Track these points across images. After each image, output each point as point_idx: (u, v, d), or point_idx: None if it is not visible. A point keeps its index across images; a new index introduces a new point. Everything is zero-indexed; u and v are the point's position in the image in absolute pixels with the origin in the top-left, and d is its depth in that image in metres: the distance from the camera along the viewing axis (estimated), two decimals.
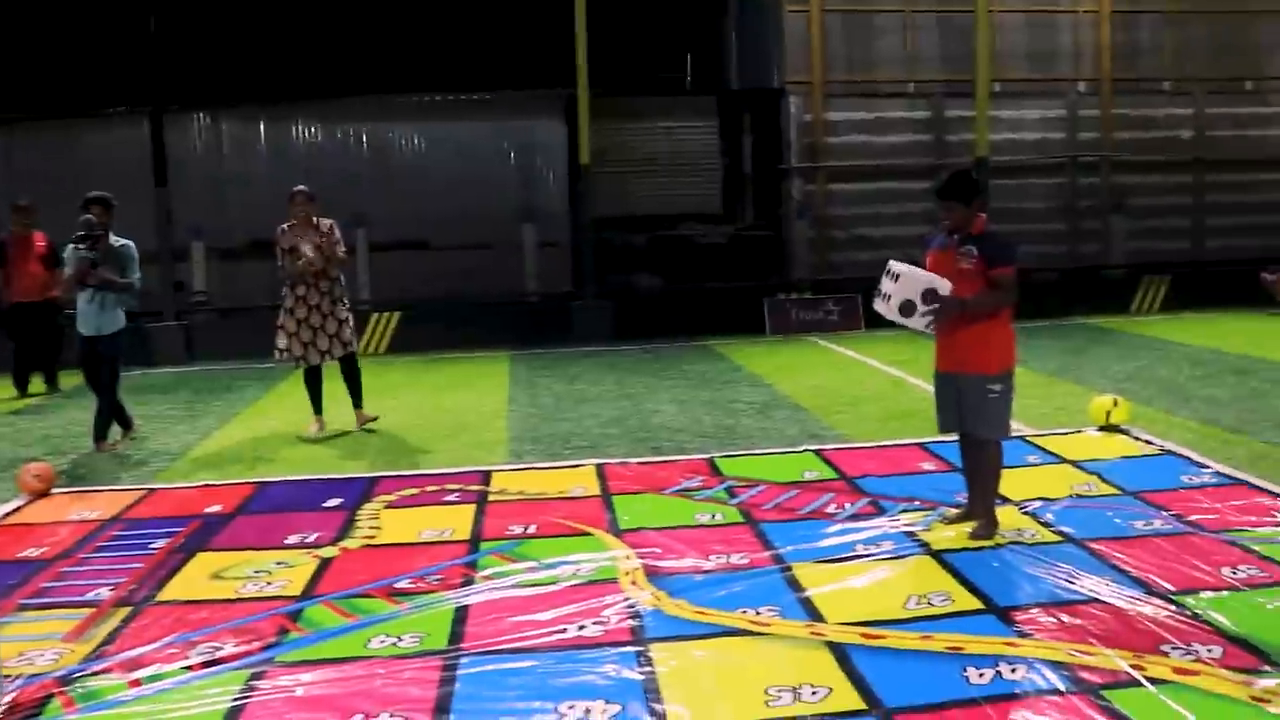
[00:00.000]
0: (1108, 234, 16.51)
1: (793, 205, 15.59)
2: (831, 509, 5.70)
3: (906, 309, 4.98)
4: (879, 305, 5.12)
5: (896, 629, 4.07)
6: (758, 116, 16.04)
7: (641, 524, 5.59)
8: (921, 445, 7.07)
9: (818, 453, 7.00)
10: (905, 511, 5.58)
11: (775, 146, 15.76)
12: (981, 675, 3.67)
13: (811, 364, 11.28)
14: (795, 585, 4.58)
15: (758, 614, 4.27)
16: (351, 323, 8.36)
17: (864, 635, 4.01)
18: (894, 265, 5.06)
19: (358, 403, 8.53)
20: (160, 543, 5.57)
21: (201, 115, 15.23)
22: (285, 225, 8.22)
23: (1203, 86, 16.76)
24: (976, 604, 4.34)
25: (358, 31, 15.99)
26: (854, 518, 5.53)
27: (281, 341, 8.22)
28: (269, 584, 4.90)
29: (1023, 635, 4.01)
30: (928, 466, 6.55)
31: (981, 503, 5.26)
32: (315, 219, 8.19)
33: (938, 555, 4.92)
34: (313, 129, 15.52)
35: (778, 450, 7.18)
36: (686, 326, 13.83)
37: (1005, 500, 5.72)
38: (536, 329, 14.03)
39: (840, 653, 3.87)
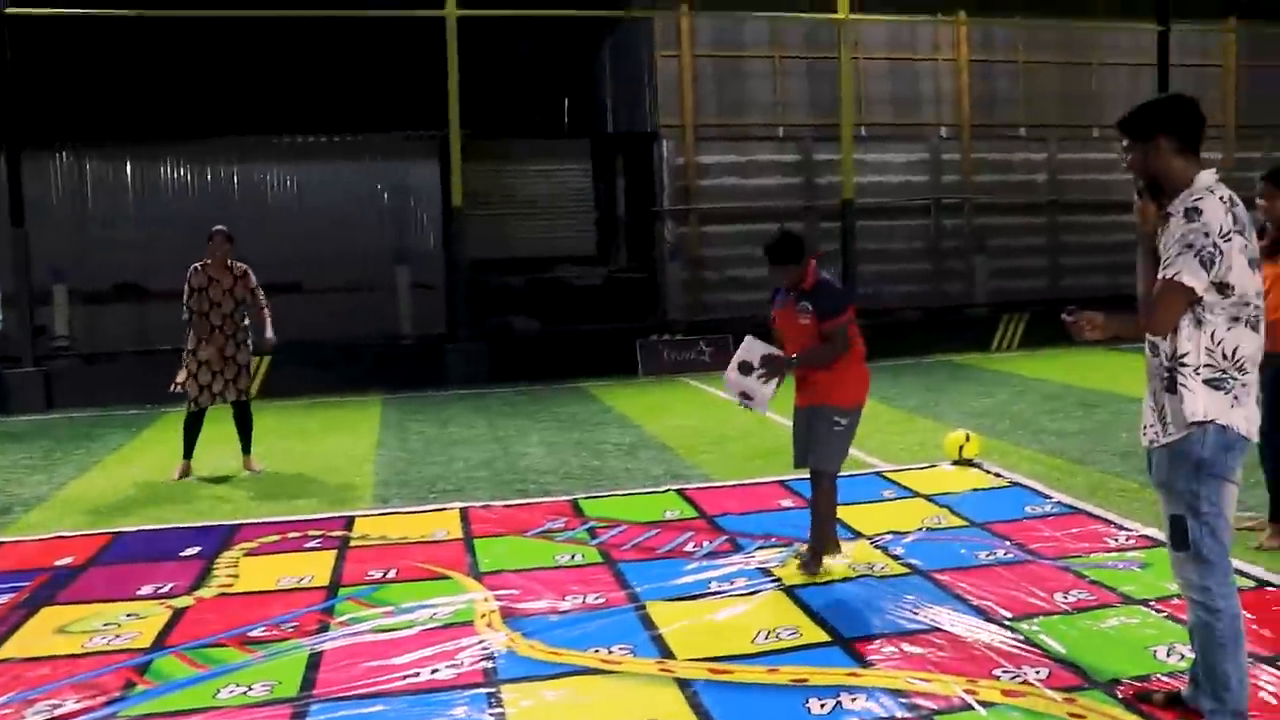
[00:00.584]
0: (970, 273, 17.18)
1: (666, 247, 15.86)
2: (690, 547, 5.82)
3: (744, 368, 5.35)
4: (727, 374, 5.49)
5: (744, 663, 4.19)
6: (631, 159, 16.33)
7: (502, 566, 5.63)
8: (781, 483, 7.25)
9: (680, 492, 7.13)
10: (761, 548, 5.74)
11: (649, 189, 16.04)
12: (823, 705, 3.81)
13: (681, 404, 11.46)
14: (649, 623, 4.67)
15: (610, 652, 4.35)
16: (251, 369, 8.28)
17: (711, 670, 4.12)
18: (746, 340, 5.43)
19: (246, 448, 8.39)
20: (2, 599, 5.39)
21: (63, 153, 14.82)
22: (198, 264, 8.09)
23: (1055, 133, 17.67)
24: (824, 636, 4.49)
25: (229, 70, 15.83)
26: (711, 555, 5.66)
27: (181, 376, 8.08)
28: (118, 636, 4.79)
29: (865, 665, 4.17)
30: (786, 503, 6.73)
31: (815, 536, 5.42)
32: (230, 262, 8.09)
33: (789, 590, 5.07)
34: (182, 169, 15.23)
35: (641, 490, 7.29)
36: (561, 368, 13.89)
37: (858, 535, 5.93)
38: (410, 372, 13.92)
39: (688, 689, 3.97)
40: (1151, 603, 4.72)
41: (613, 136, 17.04)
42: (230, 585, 5.48)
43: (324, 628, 4.80)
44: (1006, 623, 4.56)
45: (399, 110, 15.30)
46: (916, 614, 4.70)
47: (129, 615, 5.06)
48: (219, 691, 4.14)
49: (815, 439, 5.38)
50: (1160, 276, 3.27)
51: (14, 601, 5.34)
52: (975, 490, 6.93)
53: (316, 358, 13.64)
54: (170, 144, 15.02)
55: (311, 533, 6.45)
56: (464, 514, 6.76)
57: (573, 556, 5.75)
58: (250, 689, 4.14)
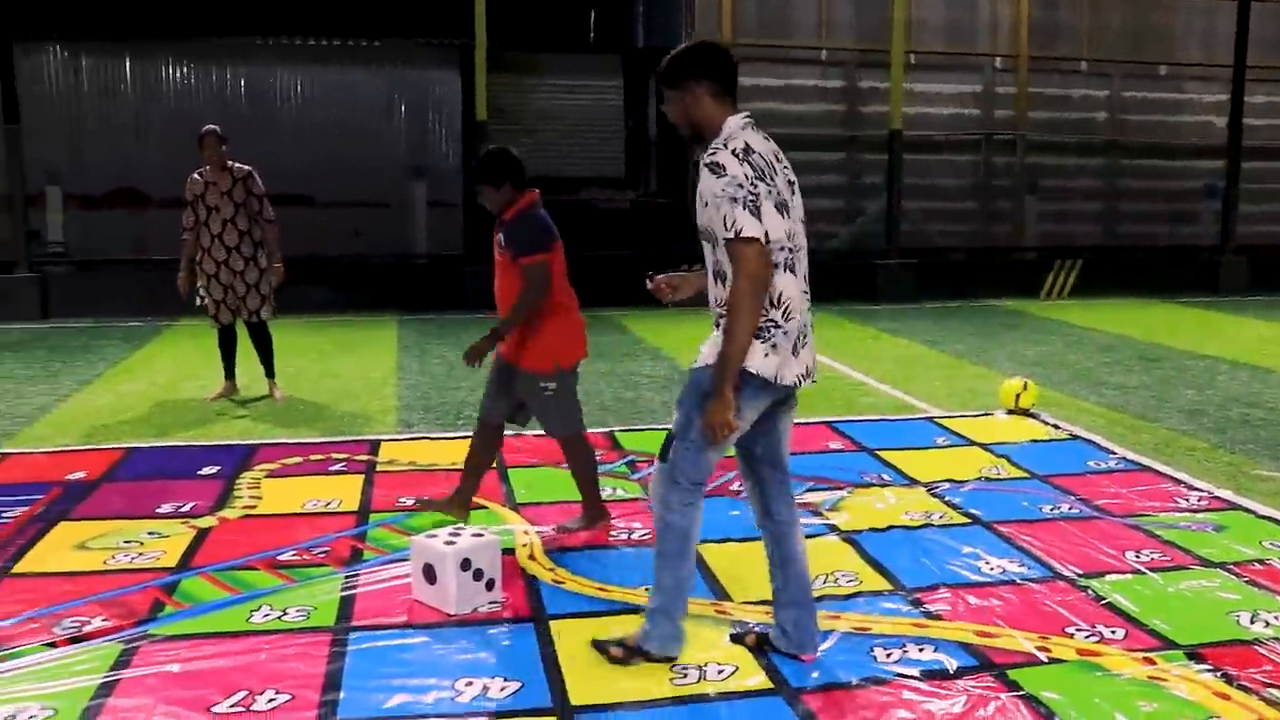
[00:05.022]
0: (1020, 215, 17.03)
1: None
2: (736, 486, 5.81)
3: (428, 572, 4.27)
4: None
5: None
6: None
7: (538, 498, 5.64)
8: (829, 424, 7.24)
9: None
10: (812, 490, 5.73)
11: None
12: (889, 655, 3.82)
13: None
14: (699, 563, 4.67)
15: None
16: (266, 288, 8.02)
17: (769, 614, 4.12)
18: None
19: (268, 372, 8.29)
20: (16, 511, 5.42)
21: (58, 47, 14.65)
22: (196, 173, 7.89)
23: (1119, 69, 17.38)
24: (885, 585, 4.49)
25: None
26: None
27: (200, 290, 7.97)
28: (141, 555, 4.82)
29: (930, 616, 4.17)
30: (835, 445, 6.73)
31: (585, 497, 5.20)
32: (229, 164, 7.90)
33: (844, 535, 5.07)
34: (185, 70, 15.07)
35: None
36: (586, 295, 13.72)
37: (913, 481, 5.92)
38: (426, 293, 13.91)
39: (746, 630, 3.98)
40: (1230, 566, 4.71)
41: (645, 53, 16.80)
42: (254, 507, 5.50)
43: (358, 554, 4.82)
44: (1077, 579, 4.55)
45: (419, 16, 15.08)
46: (981, 565, 4.70)
47: (151, 533, 5.08)
48: (252, 615, 4.16)
49: (535, 410, 5.08)
50: (723, 239, 3.41)
51: (29, 514, 5.38)
52: (1034, 441, 6.90)
53: (327, 274, 13.61)
54: (172, 42, 14.83)
55: (335, 455, 6.46)
56: None
57: (613, 490, 5.75)
58: (285, 614, 4.17)
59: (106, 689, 3.57)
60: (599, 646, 3.81)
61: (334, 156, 14.66)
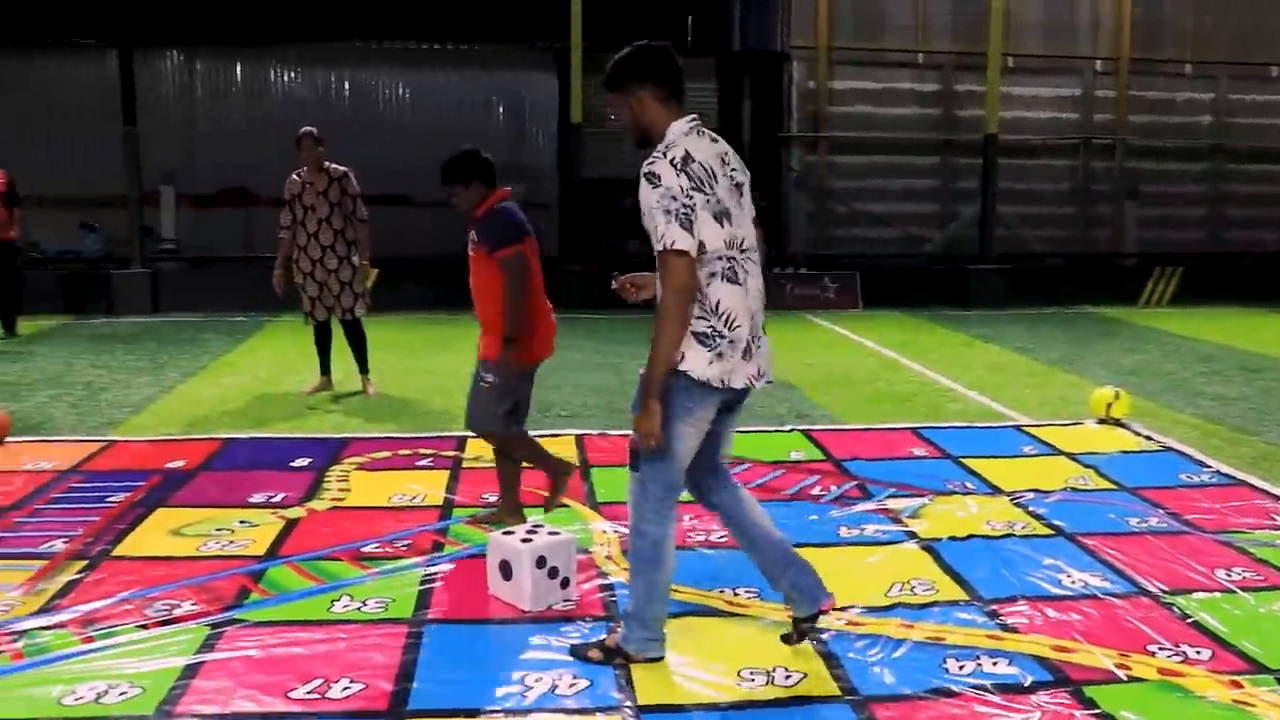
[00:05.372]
0: (1120, 221, 16.59)
1: (791, 176, 15.62)
2: (817, 491, 5.76)
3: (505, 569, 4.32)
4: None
5: (876, 615, 4.14)
6: (758, 81, 16.04)
7: (619, 497, 5.57)
8: (914, 430, 7.13)
9: (805, 433, 7.06)
10: (892, 497, 5.64)
11: (775, 113, 15.77)
12: (962, 667, 3.74)
13: (804, 342, 11.33)
14: None
15: (735, 594, 4.33)
16: (359, 286, 8.13)
17: (843, 621, 4.07)
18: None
19: (362, 368, 8.41)
20: (118, 496, 5.60)
21: (175, 53, 15.12)
22: (295, 173, 8.06)
23: (1224, 71, 16.82)
24: (960, 594, 4.40)
25: None
26: (840, 500, 5.60)
27: (299, 288, 8.12)
28: (231, 543, 4.94)
29: (1006, 629, 4.07)
30: (918, 452, 6.62)
31: (504, 496, 5.16)
32: (326, 164, 8.06)
33: (924, 543, 4.98)
34: (292, 73, 15.44)
35: (764, 428, 7.23)
36: None
37: (997, 490, 5.79)
38: None
39: (818, 638, 3.93)
40: None
41: (740, 56, 16.73)
42: (342, 499, 5.60)
43: (438, 548, 4.88)
44: (1162, 596, 4.41)
45: (518, 20, 15.22)
46: (1062, 578, 4.57)
47: (242, 522, 5.20)
48: (333, 605, 4.23)
49: (471, 391, 5.03)
50: (656, 250, 3.38)
51: (130, 499, 5.55)
52: (1124, 452, 6.70)
53: (422, 273, 13.79)
54: (281, 47, 15.21)
55: (423, 451, 6.55)
56: (579, 441, 6.79)
57: None
58: (364, 604, 4.23)
59: (191, 671, 3.66)
60: (576, 651, 3.78)
61: (433, 158, 14.74)
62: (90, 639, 3.91)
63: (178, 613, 4.14)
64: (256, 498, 5.59)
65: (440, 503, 5.57)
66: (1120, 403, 7.46)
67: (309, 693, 3.51)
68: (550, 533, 4.36)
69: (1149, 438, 7.06)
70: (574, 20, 13.82)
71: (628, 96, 3.54)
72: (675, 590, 4.33)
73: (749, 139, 16.05)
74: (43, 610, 4.17)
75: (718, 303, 3.45)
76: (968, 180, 15.74)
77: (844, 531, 5.13)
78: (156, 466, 6.18)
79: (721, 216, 3.44)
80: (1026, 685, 3.62)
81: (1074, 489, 5.89)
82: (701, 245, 3.39)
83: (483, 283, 4.94)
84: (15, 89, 14.90)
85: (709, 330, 3.45)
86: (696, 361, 3.45)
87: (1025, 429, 7.26)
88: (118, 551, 4.82)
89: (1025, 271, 15.03)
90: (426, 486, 5.82)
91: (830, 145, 15.82)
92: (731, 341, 3.48)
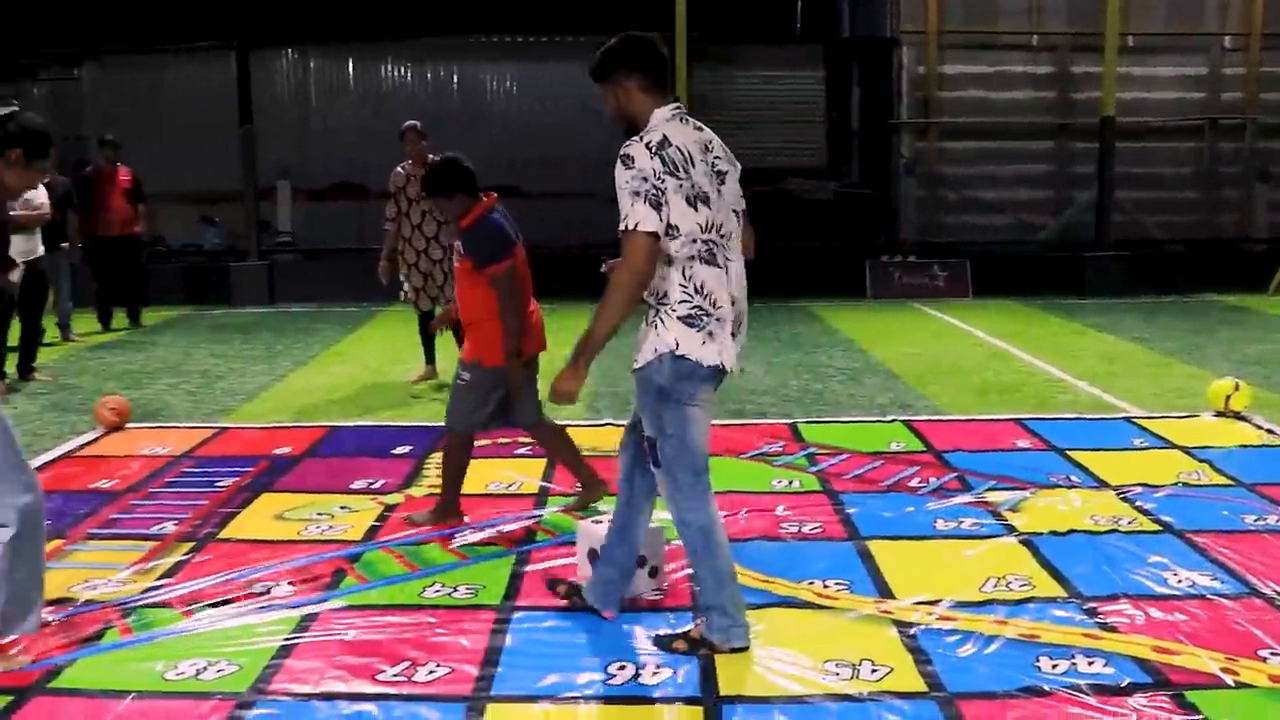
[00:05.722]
0: (1249, 205, 15.93)
1: (901, 162, 15.37)
2: (915, 482, 5.66)
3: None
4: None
5: (969, 611, 4.04)
6: (868, 67, 15.82)
7: (714, 487, 5.58)
8: (1018, 421, 6.96)
9: (907, 423, 6.94)
10: (993, 490, 5.51)
11: (885, 99, 15.55)
12: (1055, 666, 3.62)
13: (911, 330, 11.15)
14: (867, 559, 4.57)
15: (825, 586, 4.28)
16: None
17: (934, 615, 3.99)
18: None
19: None
20: (227, 481, 5.78)
21: (289, 52, 15.52)
22: (400, 166, 8.24)
23: None
24: (1059, 591, 4.27)
25: None
26: (938, 492, 5.49)
27: (402, 279, 8.30)
28: (331, 527, 5.06)
29: (1105, 628, 3.93)
30: (1023, 444, 6.45)
31: (445, 492, 5.12)
32: (429, 157, 8.17)
33: (1023, 537, 4.85)
34: (403, 69, 15.72)
35: (865, 418, 7.14)
36: (783, 286, 13.73)
37: (1102, 484, 5.61)
38: None
39: (907, 631, 3.86)
40: None
41: (848, 42, 16.53)
42: (439, 486, 5.67)
43: (531, 536, 4.92)
44: (1276, 598, 4.21)
45: (624, 9, 15.22)
46: (1167, 577, 4.41)
47: (342, 508, 5.33)
48: (425, 590, 4.30)
49: (452, 391, 5.11)
50: (620, 229, 3.43)
51: (237, 484, 5.72)
52: (1242, 446, 6.43)
53: (531, 263, 13.86)
54: (391, 43, 15.49)
55: (521, 439, 6.59)
56: None
57: (790, 482, 5.69)
58: (455, 590, 4.29)
59: (286, 650, 3.76)
60: (661, 642, 3.78)
61: (540, 150, 15.00)
62: (191, 615, 4.05)
63: (276, 594, 4.25)
64: (357, 484, 5.71)
65: (535, 491, 5.62)
66: (1240, 395, 7.17)
67: (396, 675, 3.57)
68: None
69: (1271, 431, 6.76)
70: (678, 9, 13.79)
71: (614, 86, 3.62)
72: (764, 581, 4.33)
73: (858, 126, 15.85)
74: (151, 588, 4.33)
75: (701, 284, 3.51)
76: (1084, 165, 15.28)
77: (940, 524, 5.02)
78: (264, 453, 6.36)
79: (696, 200, 3.49)
80: (1123, 687, 3.49)
81: (1185, 484, 5.67)
82: (676, 228, 3.45)
83: (467, 291, 5.00)
84: (141, 91, 15.49)
85: (694, 311, 3.51)
86: (690, 344, 3.51)
87: (1136, 421, 7.02)
88: (223, 534, 4.98)
89: (1144, 258, 14.53)
90: (523, 474, 5.88)
91: (941, 131, 15.51)
92: (719, 320, 3.54)
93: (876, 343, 10.28)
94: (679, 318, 3.51)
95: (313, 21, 15.30)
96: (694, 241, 3.49)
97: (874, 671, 3.57)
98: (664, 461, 3.62)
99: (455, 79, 15.65)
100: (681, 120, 3.58)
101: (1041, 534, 4.88)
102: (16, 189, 3.85)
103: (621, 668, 3.61)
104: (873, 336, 10.66)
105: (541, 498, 5.51)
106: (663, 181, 3.42)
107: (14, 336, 8.59)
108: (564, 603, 4.14)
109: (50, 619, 3.99)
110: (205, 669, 3.63)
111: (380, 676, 3.56)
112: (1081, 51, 15.40)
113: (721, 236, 3.56)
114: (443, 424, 6.96)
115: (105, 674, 3.61)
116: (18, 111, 3.75)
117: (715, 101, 15.32)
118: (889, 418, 7.14)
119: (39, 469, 5.99)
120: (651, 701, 3.41)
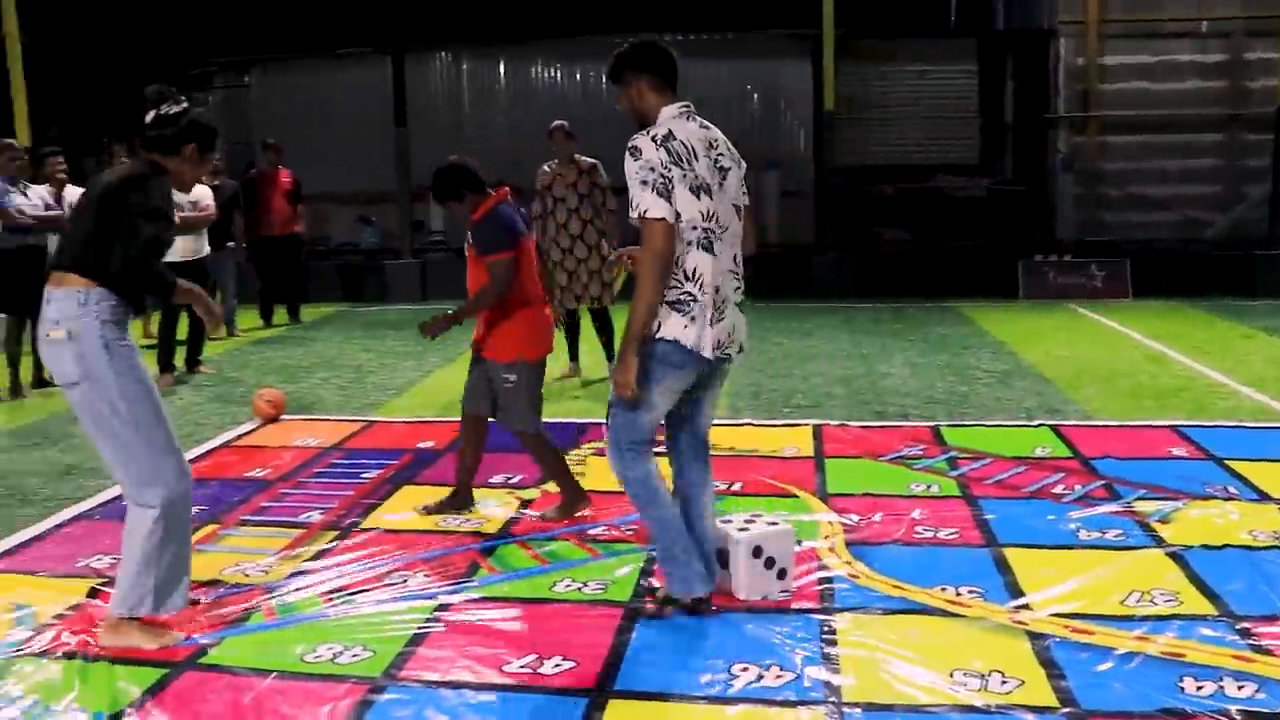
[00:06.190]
0: None
1: (1058, 158, 14.87)
2: (1059, 489, 5.47)
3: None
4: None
5: (1109, 625, 3.87)
6: (1022, 60, 15.36)
7: (850, 489, 5.55)
8: (1174, 428, 6.67)
9: (1054, 428, 6.71)
10: (1142, 499, 5.29)
11: (1041, 93, 15.07)
12: (1200, 688, 3.43)
13: (1065, 332, 10.78)
14: (1004, 567, 4.44)
15: (957, 593, 4.17)
16: (608, 275, 8.32)
17: (1071, 628, 3.85)
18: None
19: (609, 356, 8.58)
20: (372, 473, 5.97)
21: (443, 55, 15.90)
22: (546, 165, 8.38)
23: None
24: (1208, 609, 4.05)
25: None
26: (1083, 500, 5.29)
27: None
28: (468, 520, 5.18)
29: (1259, 650, 3.71)
30: (1178, 452, 6.17)
31: (560, 488, 5.24)
32: (576, 156, 8.30)
33: (1171, 550, 4.64)
34: (553, 69, 15.93)
35: (1011, 422, 6.94)
36: (932, 286, 13.49)
37: (1264, 497, 5.32)
38: (774, 282, 13.98)
39: (1040, 643, 3.74)
40: None
41: (1003, 35, 16.07)
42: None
43: None
44: None
45: (773, 7, 15.16)
46: None
47: (480, 501, 5.43)
48: (556, 584, 4.36)
49: (500, 398, 5.15)
50: (633, 217, 3.71)
51: (382, 476, 5.91)
52: None
53: None
54: (541, 44, 15.71)
55: (661, 438, 6.62)
56: (817, 431, 6.73)
57: (928, 487, 5.57)
58: (585, 585, 4.34)
59: (418, 638, 3.86)
60: (639, 611, 4.04)
61: None
62: (331, 601, 4.20)
63: (412, 584, 4.38)
64: (496, 478, 5.83)
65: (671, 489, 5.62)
66: None
67: (522, 666, 3.64)
68: (769, 523, 4.34)
69: None
70: (825, 6, 13.64)
71: (627, 87, 3.92)
72: (895, 586, 4.25)
73: (1011, 121, 15.41)
74: (295, 574, 4.51)
75: (694, 269, 3.74)
76: (1256, 158, 14.50)
77: (1084, 534, 4.84)
78: (409, 446, 6.55)
79: (699, 190, 3.73)
80: (1277, 715, 3.30)
81: None
82: (678, 215, 3.68)
83: (478, 282, 5.08)
84: (304, 97, 16.09)
85: (683, 296, 3.75)
86: (673, 327, 3.75)
87: None
88: (366, 524, 5.14)
89: None
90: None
91: (1100, 125, 14.93)
92: (703, 305, 3.75)
93: (1027, 345, 9.98)
94: (668, 302, 3.74)
95: (465, 24, 15.65)
96: (694, 229, 3.73)
97: (1004, 683, 3.46)
98: (613, 428, 3.92)
99: (604, 78, 15.74)
100: (687, 118, 3.85)
101: (1192, 547, 4.65)
102: (190, 181, 4.04)
103: (745, 669, 3.59)
104: (1023, 338, 10.36)
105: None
106: (669, 171, 3.67)
107: (182, 331, 9.02)
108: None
109: (200, 599, 4.19)
110: (341, 653, 3.76)
111: (507, 668, 3.63)
112: (1256, 37, 14.61)
113: (719, 227, 3.80)
114: (584, 421, 7.09)
115: (249, 653, 3.78)
116: (189, 108, 3.94)
117: (863, 99, 15.10)
118: (1035, 422, 6.92)
119: (200, 457, 6.34)
120: (773, 704, 3.38)
